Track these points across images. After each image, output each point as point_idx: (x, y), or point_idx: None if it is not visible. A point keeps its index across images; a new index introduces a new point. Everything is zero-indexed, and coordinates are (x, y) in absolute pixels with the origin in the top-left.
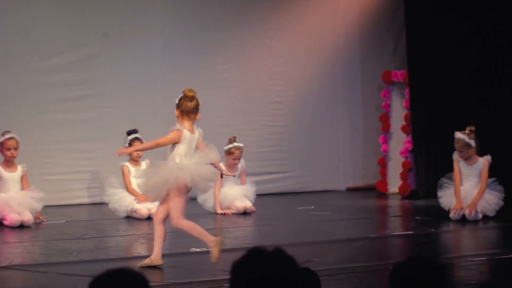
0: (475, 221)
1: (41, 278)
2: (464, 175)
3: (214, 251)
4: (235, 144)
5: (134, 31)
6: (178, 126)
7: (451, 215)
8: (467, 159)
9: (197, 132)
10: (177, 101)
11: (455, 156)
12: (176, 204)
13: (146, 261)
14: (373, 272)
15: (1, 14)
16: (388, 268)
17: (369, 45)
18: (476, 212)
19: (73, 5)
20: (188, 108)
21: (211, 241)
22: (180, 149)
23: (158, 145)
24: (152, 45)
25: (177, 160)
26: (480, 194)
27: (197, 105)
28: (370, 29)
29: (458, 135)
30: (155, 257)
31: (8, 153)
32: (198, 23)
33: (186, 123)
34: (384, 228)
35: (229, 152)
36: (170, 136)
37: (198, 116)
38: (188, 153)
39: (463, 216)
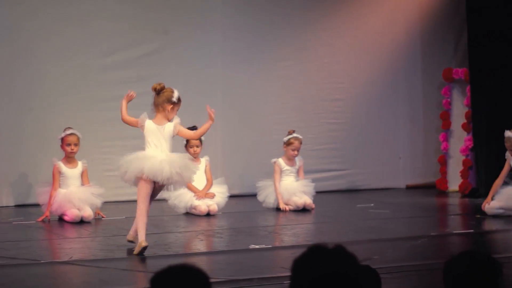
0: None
1: (101, 274)
2: None
3: (136, 249)
4: (294, 135)
5: (194, 28)
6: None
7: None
8: None
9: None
10: (175, 100)
11: (507, 155)
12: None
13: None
14: (433, 270)
15: (63, 8)
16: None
17: (430, 42)
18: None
19: (134, 2)
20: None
21: (142, 240)
22: (147, 138)
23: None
24: (212, 42)
25: (145, 149)
26: None
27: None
28: (431, 26)
29: (508, 133)
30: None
31: (68, 149)
32: (258, 20)
33: (158, 115)
34: (444, 226)
35: (288, 143)
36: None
37: (169, 107)
38: (156, 142)
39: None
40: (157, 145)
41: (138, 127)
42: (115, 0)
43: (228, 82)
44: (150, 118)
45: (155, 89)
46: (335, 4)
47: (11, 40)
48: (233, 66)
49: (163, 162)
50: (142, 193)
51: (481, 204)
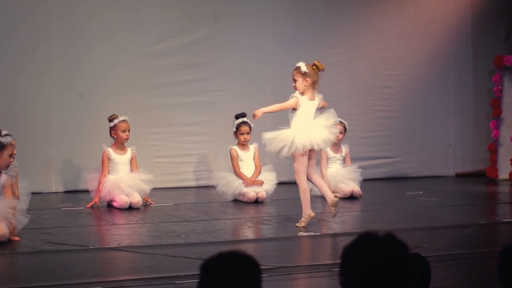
0: None
1: (150, 260)
2: None
3: (332, 210)
4: (338, 119)
5: (244, 15)
6: (296, 94)
7: None
8: None
9: (318, 98)
10: (306, 70)
11: None
12: (296, 165)
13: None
14: (482, 259)
15: (113, 0)
16: (497, 256)
17: (481, 29)
18: None
19: None
20: (316, 78)
21: (330, 200)
22: (298, 114)
23: (282, 108)
24: (262, 29)
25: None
26: None
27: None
28: (482, 14)
29: None
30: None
31: (124, 135)
32: (308, 6)
33: (309, 91)
34: (493, 214)
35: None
36: (290, 102)
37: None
38: (307, 118)
39: None
40: (309, 119)
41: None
42: None
43: (277, 69)
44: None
45: (318, 67)
46: None
47: (61, 28)
48: (283, 53)
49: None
50: (302, 165)
51: None
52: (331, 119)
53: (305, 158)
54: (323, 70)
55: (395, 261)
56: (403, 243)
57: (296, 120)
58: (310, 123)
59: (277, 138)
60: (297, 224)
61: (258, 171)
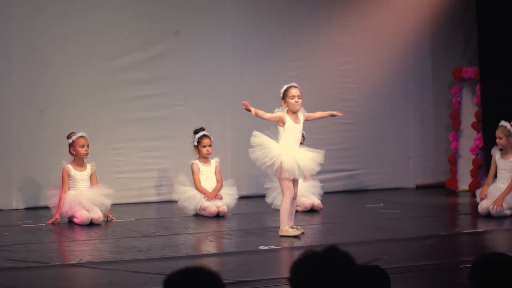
0: (503, 217)
1: (111, 276)
2: (499, 170)
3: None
4: None
5: (204, 29)
6: (282, 109)
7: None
8: (503, 150)
9: (301, 123)
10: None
11: (493, 151)
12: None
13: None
14: (443, 270)
15: (73, 14)
16: (458, 266)
17: (440, 41)
18: (502, 208)
19: (143, 4)
20: None
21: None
22: (286, 132)
23: (269, 119)
24: (222, 43)
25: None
26: (508, 190)
27: None
28: (441, 26)
29: (502, 122)
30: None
31: (83, 150)
32: (268, 19)
33: (292, 114)
34: (454, 226)
35: None
36: (276, 114)
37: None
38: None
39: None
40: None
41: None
42: (124, 4)
43: (238, 82)
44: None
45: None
46: (345, 4)
47: (21, 43)
48: (243, 66)
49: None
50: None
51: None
52: (320, 157)
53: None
54: None
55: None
56: (347, 255)
57: (284, 139)
58: (296, 149)
59: (264, 151)
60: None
61: (219, 185)
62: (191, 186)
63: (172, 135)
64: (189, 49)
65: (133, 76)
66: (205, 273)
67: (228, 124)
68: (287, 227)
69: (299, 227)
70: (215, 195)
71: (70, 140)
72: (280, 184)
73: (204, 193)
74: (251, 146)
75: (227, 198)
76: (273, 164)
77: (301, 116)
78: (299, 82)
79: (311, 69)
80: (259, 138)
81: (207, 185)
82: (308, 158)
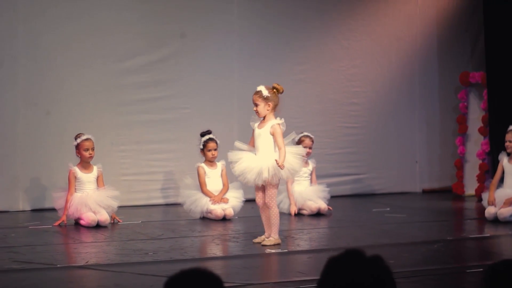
0: (510, 222)
1: (117, 278)
2: (506, 174)
3: (267, 243)
4: (305, 133)
5: (211, 32)
6: (278, 120)
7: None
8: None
9: (268, 126)
10: (268, 94)
11: (501, 156)
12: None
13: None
14: (449, 274)
15: (79, 16)
16: (464, 271)
17: (447, 46)
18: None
19: (150, 6)
20: (277, 101)
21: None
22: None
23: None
24: (228, 46)
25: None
26: None
27: None
28: (448, 30)
29: None
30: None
31: (86, 154)
32: (275, 23)
33: (271, 116)
34: (460, 230)
35: (299, 141)
36: (281, 132)
37: None
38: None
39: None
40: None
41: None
42: (130, 6)
43: (244, 85)
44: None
45: (278, 89)
46: (352, 8)
47: (29, 44)
48: (249, 69)
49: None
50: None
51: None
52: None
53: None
54: (282, 92)
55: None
56: (389, 268)
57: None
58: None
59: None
60: (264, 243)
61: (225, 188)
62: (197, 190)
63: (178, 137)
64: (195, 52)
65: (139, 79)
66: (204, 274)
67: (234, 127)
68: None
69: (263, 237)
70: (221, 198)
71: (75, 143)
72: (275, 188)
73: (209, 196)
74: None
75: (233, 201)
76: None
77: (274, 121)
78: (305, 85)
79: (317, 73)
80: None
81: (213, 188)
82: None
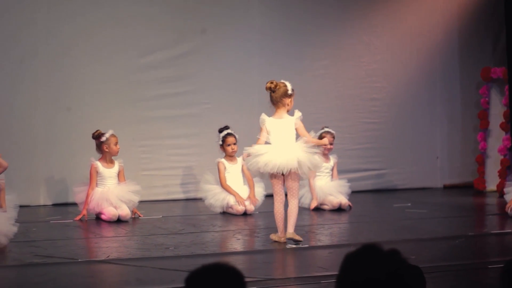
0: None
1: (138, 273)
2: None
3: (275, 238)
4: (326, 129)
5: (232, 27)
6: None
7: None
8: None
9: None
10: (291, 92)
11: None
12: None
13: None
14: (470, 270)
15: (100, 12)
16: (486, 267)
17: (468, 41)
18: None
19: (171, 1)
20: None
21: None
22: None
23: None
24: (249, 41)
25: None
26: None
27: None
28: (469, 26)
29: None
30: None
31: (117, 148)
32: (295, 19)
33: (277, 110)
34: (481, 226)
35: (320, 137)
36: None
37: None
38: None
39: None
40: (280, 138)
41: (262, 128)
42: (152, 1)
43: (265, 81)
44: (269, 115)
45: (270, 89)
46: (373, 4)
47: (49, 40)
48: (270, 65)
49: (285, 154)
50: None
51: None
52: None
53: None
54: (271, 89)
55: (398, 279)
56: (407, 261)
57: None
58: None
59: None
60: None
61: (252, 184)
62: (217, 185)
63: (198, 133)
64: (216, 47)
65: (160, 74)
66: (226, 269)
67: (254, 123)
68: (277, 233)
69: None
70: (253, 195)
71: (104, 138)
72: (297, 182)
73: (229, 192)
74: None
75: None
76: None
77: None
78: (325, 81)
79: (337, 69)
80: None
81: (233, 183)
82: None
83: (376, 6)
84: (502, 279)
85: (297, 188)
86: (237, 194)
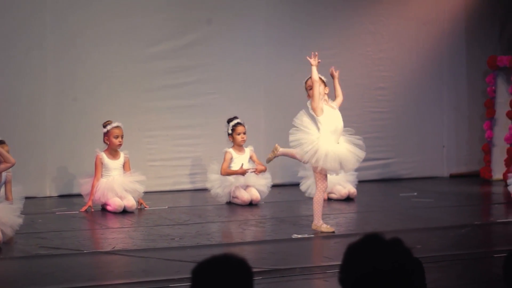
0: None
1: (144, 263)
2: None
3: (324, 229)
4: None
5: (237, 18)
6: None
7: None
8: None
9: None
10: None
11: None
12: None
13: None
14: (477, 259)
15: (107, 2)
16: (492, 256)
17: (475, 30)
18: None
19: None
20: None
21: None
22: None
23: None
24: (255, 31)
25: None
26: None
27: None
28: (475, 14)
29: None
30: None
31: (116, 141)
32: (301, 8)
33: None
34: (488, 215)
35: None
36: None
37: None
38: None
39: None
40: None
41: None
42: None
43: (271, 71)
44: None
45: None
46: None
47: (55, 32)
48: (276, 55)
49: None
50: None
51: None
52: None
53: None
54: None
55: (400, 268)
56: (409, 250)
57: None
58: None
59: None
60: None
61: (264, 168)
62: None
63: (205, 123)
64: (222, 37)
65: (166, 64)
66: (233, 260)
67: (261, 113)
68: (321, 222)
69: (328, 226)
70: (261, 164)
71: (105, 130)
72: (314, 175)
73: (230, 174)
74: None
75: (260, 186)
76: (312, 152)
77: (333, 103)
78: None
79: (344, 58)
80: (300, 120)
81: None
82: (350, 152)
83: None
84: (505, 268)
85: None
86: (238, 169)
